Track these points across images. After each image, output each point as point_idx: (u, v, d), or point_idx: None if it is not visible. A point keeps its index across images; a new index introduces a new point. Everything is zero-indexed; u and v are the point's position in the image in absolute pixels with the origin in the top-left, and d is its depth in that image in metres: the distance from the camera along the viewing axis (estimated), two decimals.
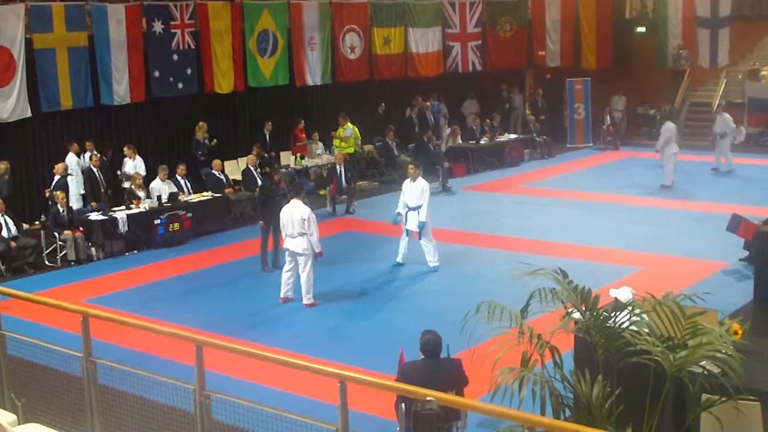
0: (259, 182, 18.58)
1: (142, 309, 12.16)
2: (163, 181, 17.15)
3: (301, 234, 12.20)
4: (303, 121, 21.54)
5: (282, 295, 12.64)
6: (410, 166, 14.57)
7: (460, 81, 26.57)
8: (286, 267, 12.62)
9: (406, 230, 14.09)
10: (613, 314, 6.14)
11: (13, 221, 15.13)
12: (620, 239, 15.45)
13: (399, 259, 14.29)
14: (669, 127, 20.34)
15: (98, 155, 17.45)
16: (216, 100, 20.38)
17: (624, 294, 7.37)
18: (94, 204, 16.91)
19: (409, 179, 14.18)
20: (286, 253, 12.53)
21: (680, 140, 20.09)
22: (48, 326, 10.55)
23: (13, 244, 14.82)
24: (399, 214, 14.10)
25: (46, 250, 15.44)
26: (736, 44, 27.04)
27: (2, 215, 14.92)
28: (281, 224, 12.53)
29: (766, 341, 7.85)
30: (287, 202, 12.98)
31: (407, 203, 13.97)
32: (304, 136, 21.53)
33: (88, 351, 6.85)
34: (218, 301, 13.01)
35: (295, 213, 12.24)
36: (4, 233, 14.83)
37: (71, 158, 17.28)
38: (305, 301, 12.42)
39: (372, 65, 23.75)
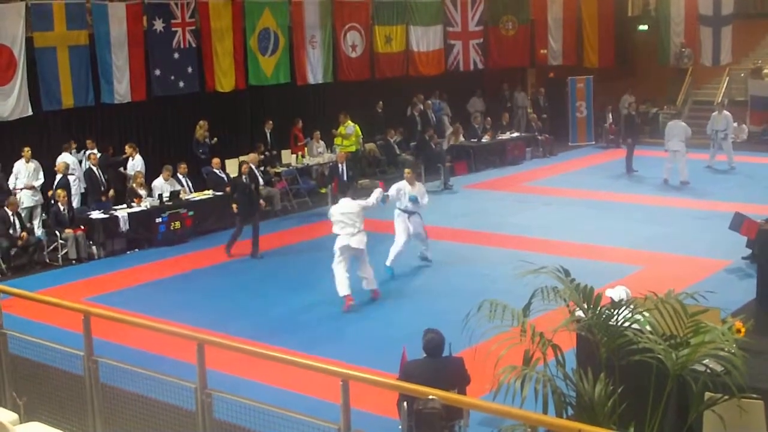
0: (261, 181, 18.61)
1: (144, 307, 12.12)
2: (166, 180, 17.14)
3: (360, 230, 12.14)
4: (301, 121, 21.52)
5: (347, 293, 12.14)
6: (407, 171, 14.26)
7: (462, 79, 26.54)
8: (345, 266, 12.23)
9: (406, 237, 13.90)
10: (615, 312, 6.13)
11: (20, 221, 15.17)
12: (622, 238, 15.42)
13: (389, 263, 13.87)
14: (675, 125, 20.47)
15: (97, 154, 17.44)
16: (217, 98, 20.36)
17: (618, 293, 7.36)
18: (103, 198, 16.98)
19: (405, 182, 13.99)
20: (342, 251, 12.19)
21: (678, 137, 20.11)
22: (49, 325, 10.53)
23: (23, 236, 14.83)
24: (387, 196, 13.71)
25: (48, 248, 15.44)
26: (738, 42, 27.00)
27: (13, 214, 14.96)
28: (335, 224, 12.19)
29: None
30: (256, 192, 13.88)
31: (407, 206, 13.85)
32: (302, 135, 21.50)
33: (90, 350, 6.84)
34: (219, 300, 13.00)
35: (352, 209, 12.16)
36: (11, 231, 14.86)
37: (66, 157, 17.21)
38: (374, 286, 12.51)
39: (373, 64, 23.73)
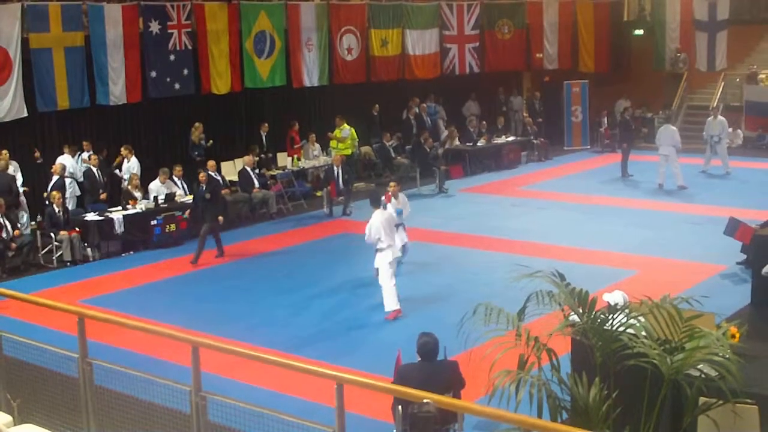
0: (257, 183, 18.61)
1: (138, 310, 12.10)
2: (162, 183, 17.13)
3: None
4: (297, 124, 21.52)
5: (398, 306, 11.93)
6: (392, 184, 14.07)
7: (457, 83, 26.55)
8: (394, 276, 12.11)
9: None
10: (610, 317, 6.14)
11: (9, 222, 15.13)
12: (617, 242, 15.44)
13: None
14: (665, 129, 20.55)
15: (96, 155, 17.44)
16: (213, 101, 20.35)
17: (616, 298, 7.37)
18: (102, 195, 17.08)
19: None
20: (392, 262, 12.00)
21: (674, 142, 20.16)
22: (44, 327, 10.52)
23: (13, 245, 14.83)
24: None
25: (42, 250, 15.42)
26: (734, 48, 27.07)
27: (1, 216, 14.92)
28: (381, 235, 11.88)
29: (763, 345, 7.86)
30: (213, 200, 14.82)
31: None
32: (299, 138, 21.50)
33: (84, 352, 6.83)
34: (215, 303, 12.97)
35: (390, 218, 12.20)
36: (3, 234, 14.83)
37: (66, 159, 17.23)
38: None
39: (369, 67, 23.72)
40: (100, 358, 6.96)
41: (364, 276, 13.99)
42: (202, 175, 16.00)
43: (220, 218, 15.63)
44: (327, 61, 22.51)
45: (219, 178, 18.33)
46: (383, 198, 13.34)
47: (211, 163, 18.33)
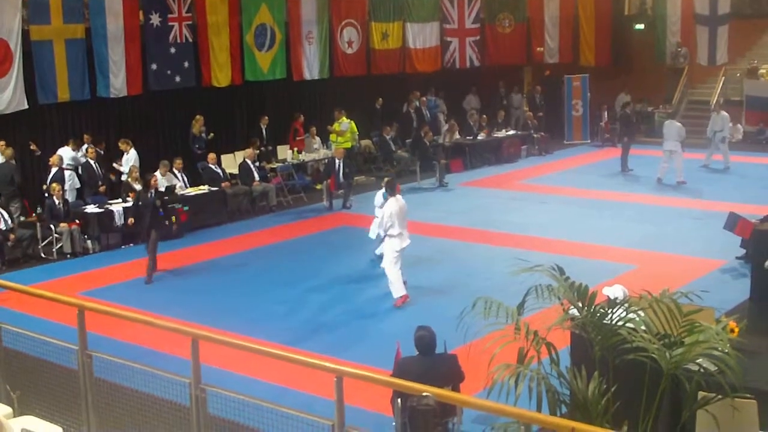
0: (257, 176, 18.61)
1: (138, 302, 12.13)
2: (163, 175, 17.11)
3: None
4: (302, 116, 21.52)
5: (405, 292, 12.07)
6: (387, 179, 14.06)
7: (458, 76, 26.55)
8: (399, 264, 12.11)
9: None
10: (609, 311, 6.14)
11: (9, 214, 15.14)
12: (617, 236, 15.44)
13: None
14: (670, 125, 20.53)
15: (95, 148, 17.42)
16: (213, 93, 20.33)
17: (616, 292, 7.37)
18: (101, 188, 17.06)
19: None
20: (401, 251, 11.99)
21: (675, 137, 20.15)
22: (44, 319, 10.51)
23: (12, 236, 14.84)
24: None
25: (42, 242, 15.42)
26: (734, 42, 27.04)
27: None
28: (396, 223, 11.86)
29: (763, 339, 7.87)
30: (162, 208, 14.06)
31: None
32: (303, 130, 21.50)
33: (84, 344, 6.83)
34: (214, 295, 12.99)
35: (405, 207, 12.10)
36: (2, 225, 14.84)
37: (65, 151, 17.20)
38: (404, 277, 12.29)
39: (370, 60, 23.74)
40: (100, 351, 6.97)
41: (363, 269, 14.03)
42: (153, 180, 14.63)
43: (167, 222, 14.94)
44: (327, 54, 22.52)
45: (219, 171, 18.33)
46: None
47: (211, 155, 18.36)
